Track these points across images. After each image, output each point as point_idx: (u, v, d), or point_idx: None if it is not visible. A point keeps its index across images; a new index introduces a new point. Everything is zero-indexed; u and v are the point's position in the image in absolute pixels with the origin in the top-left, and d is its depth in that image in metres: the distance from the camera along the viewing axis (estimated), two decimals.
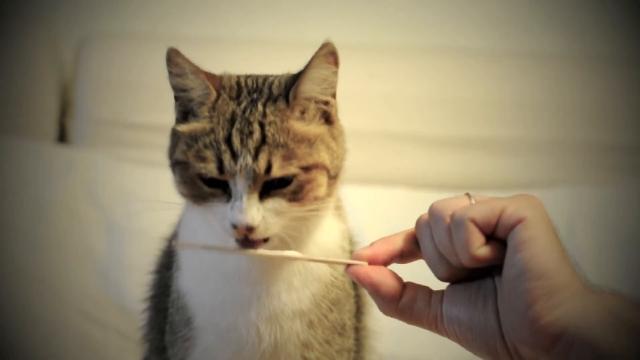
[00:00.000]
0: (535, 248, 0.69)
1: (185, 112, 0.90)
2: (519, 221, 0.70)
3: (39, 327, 1.56)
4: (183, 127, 0.89)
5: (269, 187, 0.85)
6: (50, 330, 1.56)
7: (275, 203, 0.85)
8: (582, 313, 0.67)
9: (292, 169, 0.85)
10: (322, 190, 0.87)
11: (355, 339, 1.00)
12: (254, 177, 0.84)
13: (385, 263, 0.77)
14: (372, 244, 0.78)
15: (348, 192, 1.74)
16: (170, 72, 0.89)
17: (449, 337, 0.76)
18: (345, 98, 2.15)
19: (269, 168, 0.84)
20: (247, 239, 0.84)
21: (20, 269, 1.60)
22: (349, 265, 0.78)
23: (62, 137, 1.95)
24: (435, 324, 0.76)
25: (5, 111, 1.87)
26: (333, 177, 0.89)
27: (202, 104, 0.89)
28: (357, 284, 0.79)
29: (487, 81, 1.95)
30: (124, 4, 2.03)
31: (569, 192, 1.80)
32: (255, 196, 0.84)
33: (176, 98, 0.91)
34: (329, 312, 0.93)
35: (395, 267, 0.79)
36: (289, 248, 0.88)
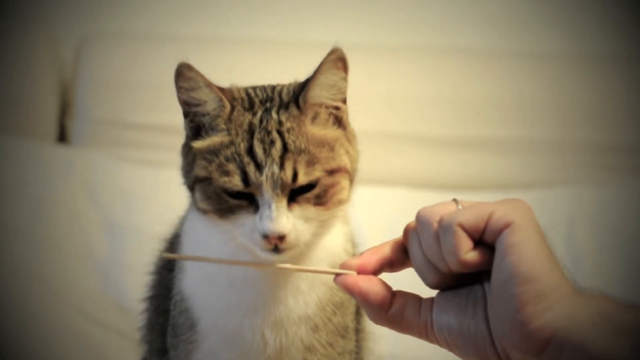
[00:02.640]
0: (524, 252, 0.69)
1: (197, 128, 0.89)
2: (507, 225, 0.69)
3: (39, 327, 1.56)
4: (199, 143, 0.88)
5: (294, 194, 0.85)
6: (50, 330, 1.56)
7: (302, 210, 0.85)
8: (571, 316, 0.67)
9: (316, 174, 0.85)
10: (345, 194, 0.88)
11: (356, 340, 1.00)
12: (281, 186, 0.84)
13: (375, 272, 0.77)
14: (361, 254, 0.78)
15: None
16: (180, 88, 0.88)
17: (439, 344, 0.76)
18: None
19: (295, 175, 0.84)
20: (277, 248, 0.84)
21: (20, 269, 1.60)
22: (337, 274, 0.77)
23: (62, 137, 1.95)
24: (425, 332, 0.76)
25: (5, 111, 1.87)
26: (352, 181, 0.90)
27: (217, 116, 0.88)
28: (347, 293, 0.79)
29: (487, 81, 1.95)
30: (124, 4, 2.03)
31: (569, 192, 1.80)
32: (284, 204, 0.84)
33: (186, 114, 0.90)
34: (333, 316, 0.93)
35: (386, 276, 0.78)
36: (303, 254, 0.88)
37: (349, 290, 0.77)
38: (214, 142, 0.87)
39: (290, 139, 0.85)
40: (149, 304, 1.07)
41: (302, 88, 0.88)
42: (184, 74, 0.87)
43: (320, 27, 2.04)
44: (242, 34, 2.02)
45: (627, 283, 1.64)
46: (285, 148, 0.85)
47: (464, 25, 2.08)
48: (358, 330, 1.01)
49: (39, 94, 1.91)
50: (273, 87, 0.91)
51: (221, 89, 0.89)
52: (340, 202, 0.88)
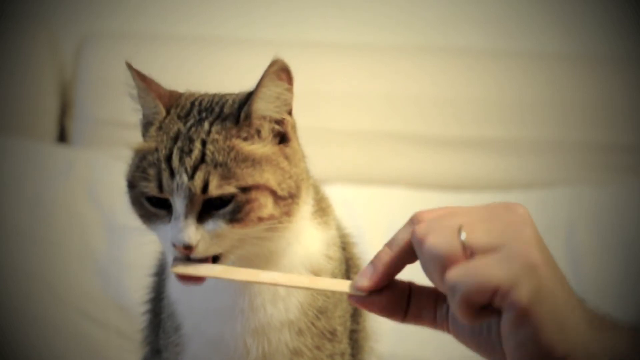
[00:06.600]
0: (533, 331, 0.68)
1: (144, 128, 0.90)
2: (513, 307, 0.68)
3: (39, 327, 1.56)
4: (135, 146, 0.89)
5: (209, 207, 0.84)
6: (50, 330, 1.56)
7: (214, 224, 0.84)
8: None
9: (229, 189, 0.83)
10: (265, 212, 0.85)
11: (354, 340, 1.00)
12: (190, 196, 0.83)
13: (384, 286, 0.77)
14: (371, 275, 0.76)
15: (348, 192, 1.75)
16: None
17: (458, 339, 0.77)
18: (345, 98, 2.15)
19: (205, 187, 0.83)
20: (190, 258, 0.84)
21: (20, 269, 1.60)
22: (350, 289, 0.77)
23: (62, 137, 1.95)
24: (444, 330, 0.77)
25: (5, 111, 1.87)
26: (285, 198, 0.87)
27: (151, 123, 0.88)
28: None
29: (487, 81, 1.95)
30: (124, 4, 2.03)
31: (569, 192, 1.80)
32: (194, 215, 0.83)
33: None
34: (317, 320, 0.93)
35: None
36: (254, 266, 0.87)
37: (364, 307, 0.78)
38: (143, 147, 0.87)
39: (209, 150, 0.84)
40: (149, 305, 1.07)
41: (246, 100, 0.87)
42: (130, 74, 0.88)
43: (320, 27, 2.04)
44: (242, 34, 2.02)
45: (627, 283, 1.63)
46: (202, 159, 0.84)
47: (464, 25, 2.08)
48: (356, 331, 1.01)
49: (39, 94, 1.91)
50: (221, 97, 0.90)
51: (165, 94, 0.89)
52: (261, 220, 0.85)
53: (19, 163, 1.73)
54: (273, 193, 0.86)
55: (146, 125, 0.90)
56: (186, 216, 0.83)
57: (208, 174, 0.83)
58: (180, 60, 1.85)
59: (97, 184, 1.72)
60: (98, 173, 1.74)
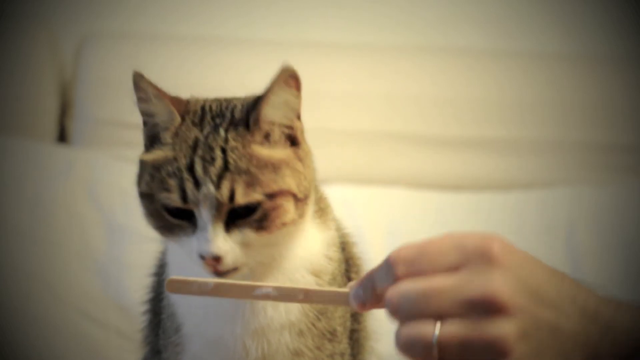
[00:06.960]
0: None
1: (152, 138, 0.89)
2: None
3: (39, 327, 1.56)
4: (147, 156, 0.88)
5: (234, 217, 0.84)
6: (50, 330, 1.56)
7: (242, 234, 0.84)
8: None
9: (256, 196, 0.83)
10: (289, 217, 0.86)
11: (355, 340, 1.00)
12: (217, 205, 0.82)
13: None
14: (364, 300, 0.73)
15: (348, 192, 1.75)
16: (138, 98, 0.88)
17: None
18: (345, 98, 2.15)
19: (232, 196, 0.82)
20: (217, 270, 0.84)
21: (20, 269, 1.60)
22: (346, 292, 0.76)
23: (62, 137, 1.95)
24: None
25: (5, 111, 1.87)
26: (302, 200, 0.87)
27: (166, 129, 0.87)
28: None
29: (487, 81, 1.95)
30: (124, 4, 2.03)
31: (569, 192, 1.80)
32: (221, 225, 0.83)
33: (144, 123, 0.90)
34: (317, 321, 0.93)
35: None
36: (259, 271, 0.87)
37: (363, 311, 0.78)
38: (159, 156, 0.86)
39: (231, 157, 0.84)
40: (149, 305, 1.07)
41: (254, 106, 0.87)
42: (137, 84, 0.87)
43: (320, 27, 2.04)
44: (242, 34, 2.02)
45: (627, 283, 1.63)
46: (225, 167, 0.83)
47: (464, 25, 2.08)
48: (356, 330, 1.01)
49: (39, 94, 1.91)
50: (229, 102, 0.90)
51: (176, 101, 0.88)
52: (284, 225, 0.85)
53: (19, 163, 1.73)
54: (294, 197, 0.86)
55: (153, 136, 0.88)
56: (213, 226, 0.83)
57: (233, 182, 0.82)
58: (180, 60, 1.85)
59: (97, 184, 1.72)
60: (98, 173, 1.74)
